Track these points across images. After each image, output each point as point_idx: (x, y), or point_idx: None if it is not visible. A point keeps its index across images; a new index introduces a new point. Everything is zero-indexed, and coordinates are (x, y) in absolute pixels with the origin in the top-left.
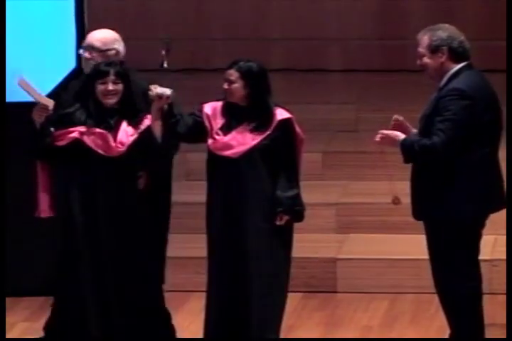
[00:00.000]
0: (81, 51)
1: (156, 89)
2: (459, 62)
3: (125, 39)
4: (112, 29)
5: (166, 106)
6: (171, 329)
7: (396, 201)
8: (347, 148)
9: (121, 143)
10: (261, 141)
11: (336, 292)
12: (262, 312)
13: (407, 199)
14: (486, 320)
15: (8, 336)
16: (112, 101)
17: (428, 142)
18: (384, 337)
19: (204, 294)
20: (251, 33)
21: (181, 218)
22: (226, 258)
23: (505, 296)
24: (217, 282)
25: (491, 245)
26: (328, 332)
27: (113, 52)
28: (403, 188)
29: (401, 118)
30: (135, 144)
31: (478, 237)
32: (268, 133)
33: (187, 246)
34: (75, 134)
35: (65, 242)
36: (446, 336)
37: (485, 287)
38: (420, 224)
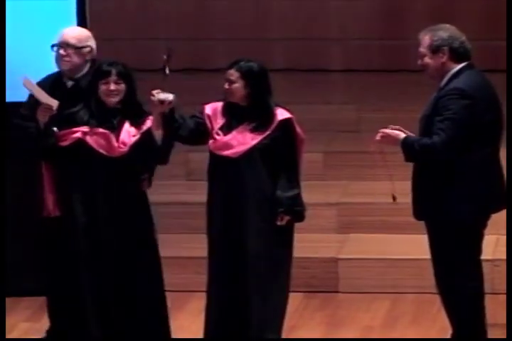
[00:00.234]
0: (54, 49)
1: (159, 95)
2: (459, 63)
3: (126, 39)
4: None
5: (167, 110)
6: (167, 330)
7: (395, 197)
8: (348, 148)
9: (124, 144)
10: (261, 140)
11: (337, 292)
12: (261, 312)
13: (407, 199)
14: (488, 320)
15: (9, 336)
16: (114, 100)
17: (428, 141)
18: (385, 337)
19: (205, 294)
20: (252, 33)
21: (182, 218)
22: (226, 258)
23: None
24: (218, 282)
25: (492, 245)
26: (330, 332)
27: (88, 49)
28: (404, 188)
29: (397, 127)
30: (137, 145)
31: (480, 237)
32: (268, 133)
33: (188, 246)
34: (78, 134)
35: (66, 242)
36: (448, 336)
37: (487, 287)
38: (421, 224)
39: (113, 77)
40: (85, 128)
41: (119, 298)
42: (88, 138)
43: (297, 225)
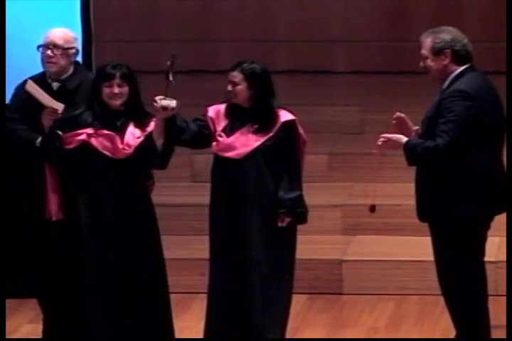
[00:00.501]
0: (40, 49)
1: (161, 101)
2: (461, 65)
3: (130, 40)
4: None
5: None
6: (171, 331)
7: (372, 209)
8: (352, 150)
9: (128, 145)
10: (264, 142)
11: (341, 293)
12: (265, 313)
13: (412, 201)
14: (491, 322)
15: (13, 337)
16: (117, 103)
17: (431, 144)
18: (390, 338)
19: None
20: (256, 35)
21: (187, 220)
22: (229, 259)
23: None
24: (220, 283)
25: (496, 247)
26: (334, 334)
27: (74, 50)
28: (408, 190)
29: (403, 115)
30: (141, 146)
31: (484, 239)
32: (271, 134)
33: (192, 247)
34: (83, 136)
35: (70, 244)
36: (452, 337)
37: (490, 288)
38: (425, 225)
39: (116, 80)
40: (90, 130)
41: (124, 299)
42: (93, 140)
43: (301, 227)
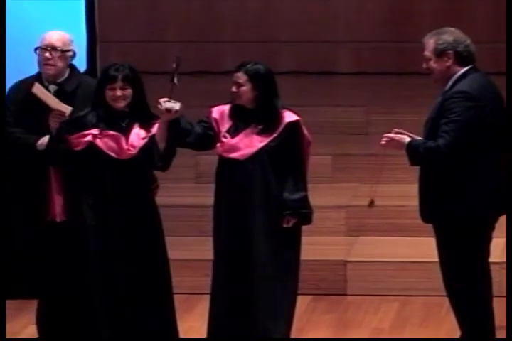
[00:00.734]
0: (38, 51)
1: (165, 104)
2: (464, 66)
3: (134, 41)
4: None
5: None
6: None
7: (371, 204)
8: (357, 151)
9: (133, 146)
10: (268, 143)
11: (345, 294)
12: (269, 314)
13: (416, 202)
14: (496, 323)
15: (18, 338)
16: (120, 105)
17: (433, 144)
18: (394, 338)
19: None
20: (261, 36)
21: (191, 221)
22: (233, 260)
23: None
24: (223, 283)
25: (500, 247)
26: (338, 335)
27: (71, 53)
28: (412, 191)
29: (401, 131)
30: (145, 147)
31: (488, 240)
32: (275, 135)
33: (196, 248)
34: (89, 138)
35: (75, 244)
36: (457, 338)
37: (494, 289)
38: (430, 226)
39: (119, 83)
40: (95, 131)
41: (127, 300)
42: (98, 141)
43: (306, 228)
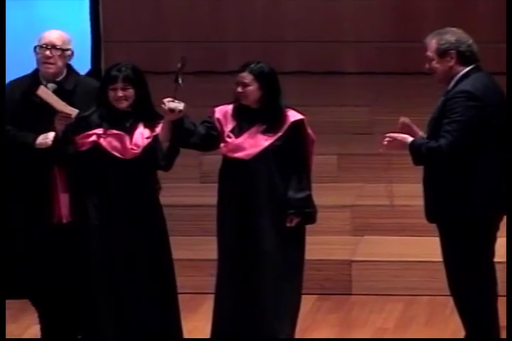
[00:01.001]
0: (37, 50)
1: (169, 104)
2: (467, 65)
3: (139, 41)
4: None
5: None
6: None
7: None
8: (362, 151)
9: (137, 145)
10: (273, 142)
11: (350, 294)
12: (274, 313)
13: (421, 202)
14: (501, 322)
15: (21, 338)
16: (122, 105)
17: (435, 144)
18: (399, 338)
19: None
20: (266, 36)
21: (195, 220)
22: (238, 260)
23: None
24: (229, 283)
25: (504, 247)
26: (343, 334)
27: (69, 52)
28: (417, 191)
29: (408, 120)
30: (148, 147)
31: (493, 239)
32: (280, 134)
33: (201, 248)
34: (93, 138)
35: (79, 244)
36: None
37: (499, 289)
38: (435, 226)
39: (120, 84)
40: (99, 131)
41: (131, 299)
42: (102, 141)
43: (311, 227)
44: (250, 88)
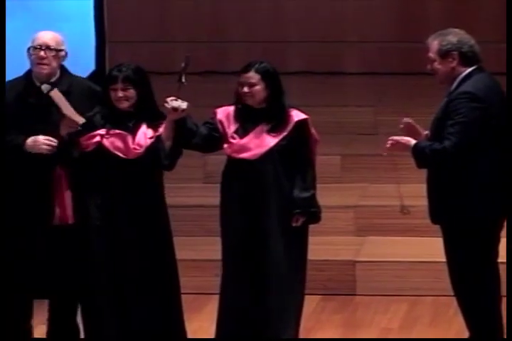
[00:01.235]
0: (31, 51)
1: (172, 103)
2: (469, 66)
3: (143, 42)
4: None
5: (183, 115)
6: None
7: (405, 211)
8: (366, 151)
9: (139, 145)
10: (279, 142)
11: (354, 294)
12: (278, 313)
13: (425, 202)
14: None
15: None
16: (123, 105)
17: (439, 146)
18: (403, 338)
19: None
20: (269, 36)
21: (200, 221)
22: (244, 260)
23: None
24: (233, 283)
25: (505, 248)
26: (347, 335)
27: (63, 53)
28: (421, 191)
29: (411, 120)
30: (151, 146)
31: (496, 240)
32: (285, 134)
33: (205, 248)
34: (97, 138)
35: (83, 244)
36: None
37: (502, 289)
38: (439, 226)
39: (119, 84)
40: (102, 131)
41: (135, 299)
42: (105, 141)
43: (315, 228)
44: (257, 88)
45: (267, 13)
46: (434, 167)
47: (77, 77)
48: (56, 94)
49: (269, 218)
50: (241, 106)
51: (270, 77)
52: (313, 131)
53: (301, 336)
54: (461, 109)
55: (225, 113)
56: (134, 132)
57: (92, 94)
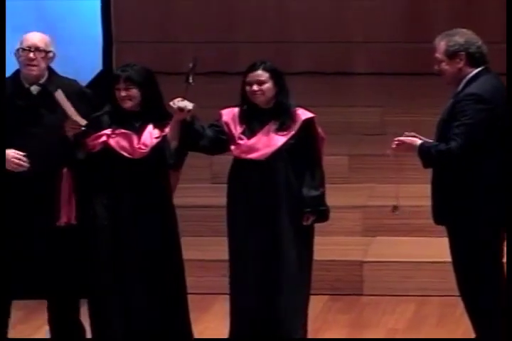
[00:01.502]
0: (20, 52)
1: (178, 103)
2: (476, 67)
3: (149, 42)
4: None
5: (188, 118)
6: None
7: (396, 212)
8: (373, 151)
9: (145, 145)
10: (287, 141)
11: (361, 295)
12: (289, 313)
13: (429, 202)
14: None
15: (33, 338)
16: (127, 105)
17: (444, 147)
18: (410, 338)
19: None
20: (276, 36)
21: (207, 221)
22: (252, 260)
23: None
24: (244, 283)
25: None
26: (354, 335)
27: (52, 54)
28: (428, 191)
29: (412, 134)
30: (159, 146)
31: (501, 240)
32: (293, 132)
33: (212, 248)
34: (103, 138)
35: (89, 244)
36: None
37: None
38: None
39: (122, 84)
40: (108, 131)
41: (141, 299)
42: (110, 141)
43: (322, 228)
44: (267, 85)
45: (275, 14)
46: (439, 167)
47: (66, 78)
48: (60, 96)
49: (281, 217)
50: (246, 107)
51: (277, 76)
52: (319, 129)
53: (309, 336)
54: (467, 110)
55: (230, 114)
56: (140, 132)
57: (82, 95)
